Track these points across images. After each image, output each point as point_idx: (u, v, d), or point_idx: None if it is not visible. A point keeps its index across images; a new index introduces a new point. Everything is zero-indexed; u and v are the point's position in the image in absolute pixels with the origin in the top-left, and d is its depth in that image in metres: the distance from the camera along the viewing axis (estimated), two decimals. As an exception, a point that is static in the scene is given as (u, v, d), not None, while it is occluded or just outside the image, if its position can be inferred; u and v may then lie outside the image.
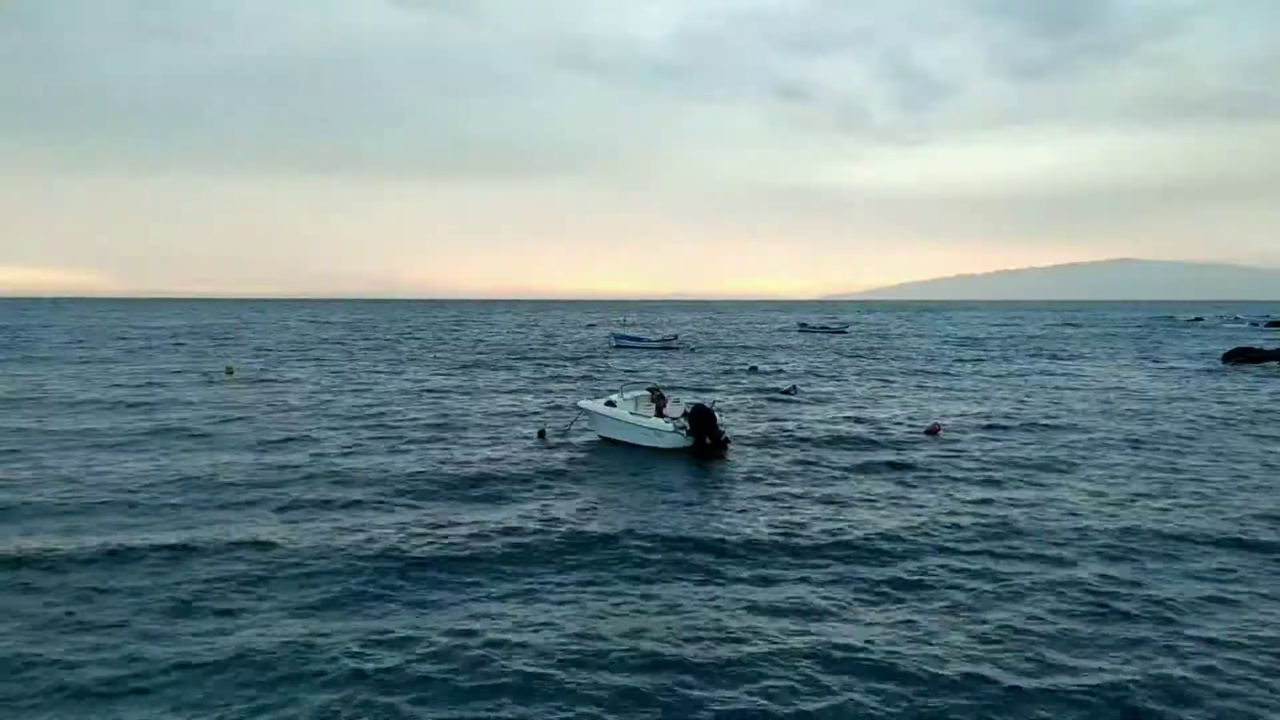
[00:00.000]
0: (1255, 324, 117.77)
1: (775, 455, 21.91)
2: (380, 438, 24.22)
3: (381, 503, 16.91)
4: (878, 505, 16.83)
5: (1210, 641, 10.33)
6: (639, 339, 72.61)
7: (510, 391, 36.96)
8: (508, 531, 14.70)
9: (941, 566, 13.04)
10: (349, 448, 22.64)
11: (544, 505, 16.67)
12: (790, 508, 16.60)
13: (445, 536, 14.39)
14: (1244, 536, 14.63)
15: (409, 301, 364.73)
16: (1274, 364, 48.35)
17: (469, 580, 12.41)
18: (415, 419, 27.95)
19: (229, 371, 44.32)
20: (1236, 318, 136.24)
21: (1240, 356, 50.75)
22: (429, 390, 36.96)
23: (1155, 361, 53.81)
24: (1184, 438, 24.43)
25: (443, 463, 20.76)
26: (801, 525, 15.26)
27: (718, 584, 12.32)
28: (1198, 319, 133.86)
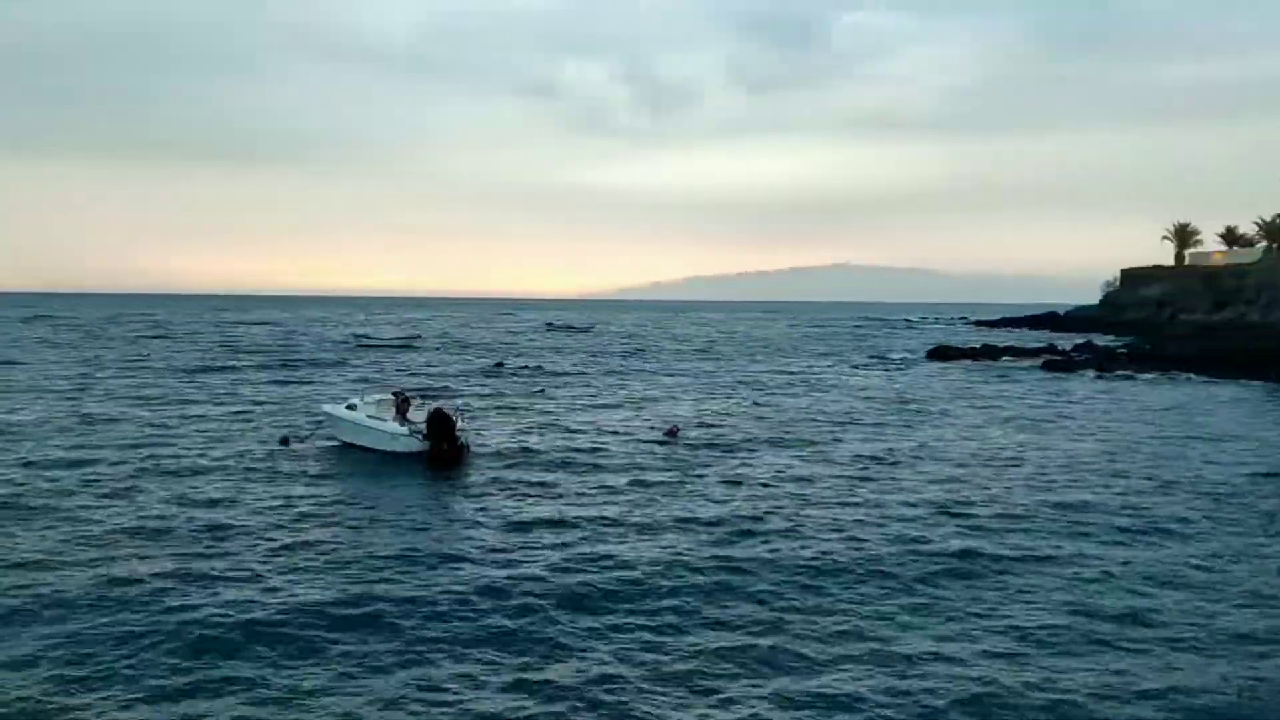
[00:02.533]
0: (929, 321, 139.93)
1: (513, 459, 21.22)
2: (88, 445, 20.82)
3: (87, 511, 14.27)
4: (615, 506, 16.51)
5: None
6: (380, 337, 69.57)
7: (244, 396, 33.47)
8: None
9: (681, 566, 12.79)
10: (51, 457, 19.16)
11: (267, 519, 14.79)
12: (519, 515, 15.89)
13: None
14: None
15: (103, 296, 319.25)
16: (968, 360, 55.14)
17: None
18: (132, 429, 24.57)
19: None
20: (936, 318, 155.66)
21: (941, 354, 58.37)
22: (145, 397, 32.37)
23: (874, 358, 58.97)
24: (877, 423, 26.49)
25: (170, 481, 18.15)
26: (533, 538, 14.50)
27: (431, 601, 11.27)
28: (908, 320, 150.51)
